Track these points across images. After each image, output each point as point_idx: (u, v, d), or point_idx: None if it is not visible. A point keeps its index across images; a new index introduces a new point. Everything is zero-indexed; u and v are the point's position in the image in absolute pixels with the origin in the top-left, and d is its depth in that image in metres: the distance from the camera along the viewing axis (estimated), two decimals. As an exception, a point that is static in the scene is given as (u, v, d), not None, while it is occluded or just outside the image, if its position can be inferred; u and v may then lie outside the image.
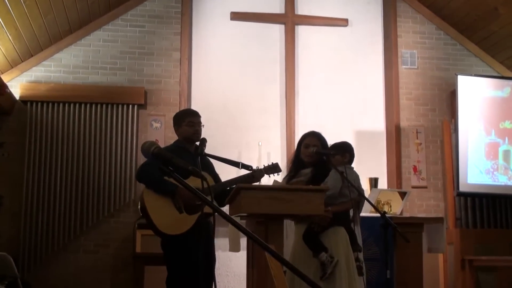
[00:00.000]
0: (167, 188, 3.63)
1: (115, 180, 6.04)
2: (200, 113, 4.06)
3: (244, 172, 3.99)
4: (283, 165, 5.56)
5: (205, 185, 2.37)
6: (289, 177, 3.93)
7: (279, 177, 4.16)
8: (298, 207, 3.06)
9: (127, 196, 6.04)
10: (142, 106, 6.23)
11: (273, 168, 4.01)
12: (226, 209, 3.78)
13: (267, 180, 4.98)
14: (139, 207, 3.79)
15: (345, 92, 6.73)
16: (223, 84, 6.54)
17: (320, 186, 3.59)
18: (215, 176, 4.03)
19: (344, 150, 3.94)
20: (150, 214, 3.63)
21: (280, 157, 6.35)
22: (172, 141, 5.69)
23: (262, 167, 4.03)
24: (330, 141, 4.28)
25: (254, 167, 4.01)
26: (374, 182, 6.24)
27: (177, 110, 6.04)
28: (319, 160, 3.80)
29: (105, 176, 6.03)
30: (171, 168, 2.01)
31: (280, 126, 6.56)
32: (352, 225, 3.82)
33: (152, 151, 2.05)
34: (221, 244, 5.65)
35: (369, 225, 4.87)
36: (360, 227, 4.03)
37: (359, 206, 3.97)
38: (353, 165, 4.01)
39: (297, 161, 3.93)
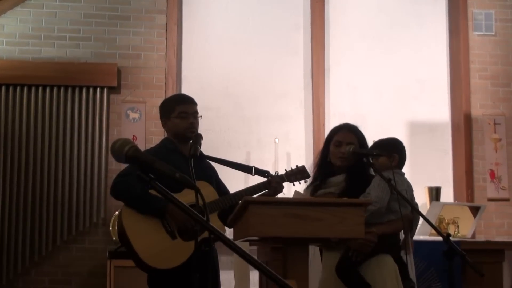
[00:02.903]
0: (154, 206, 3.65)
1: (77, 192, 6.08)
2: (195, 99, 4.07)
3: (258, 180, 3.98)
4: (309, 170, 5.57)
5: (201, 200, 2.36)
6: (314, 188, 3.93)
7: (300, 188, 4.16)
8: (329, 228, 3.06)
9: (94, 214, 6.07)
10: (114, 90, 6.26)
11: (299, 174, 3.97)
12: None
13: (287, 191, 4.99)
14: (116, 232, 3.80)
15: (394, 69, 6.71)
16: (226, 59, 6.55)
17: (360, 199, 3.58)
18: (220, 187, 4.03)
19: (392, 149, 3.93)
20: (132, 241, 3.64)
21: (304, 159, 6.36)
22: (156, 138, 5.79)
23: (284, 172, 4.00)
24: (373, 137, 4.28)
25: (272, 173, 3.99)
26: (435, 193, 6.22)
27: (162, 95, 6.08)
28: (356, 164, 3.80)
29: (64, 187, 6.07)
30: (152, 176, 2.01)
31: (304, 116, 6.57)
32: (402, 253, 3.82)
33: (126, 153, 2.05)
34: (224, 279, 5.62)
35: (428, 252, 4.88)
36: (414, 256, 4.03)
37: (412, 226, 3.97)
38: (404, 169, 4.00)
39: (325, 165, 3.92)
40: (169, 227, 3.69)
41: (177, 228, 3.69)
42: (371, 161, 3.76)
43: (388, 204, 3.74)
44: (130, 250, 3.68)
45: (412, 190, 3.94)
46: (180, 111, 3.91)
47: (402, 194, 3.63)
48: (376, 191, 3.73)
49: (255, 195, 3.85)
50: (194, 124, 3.92)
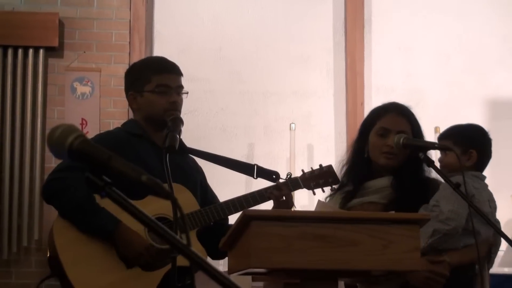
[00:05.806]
0: (98, 223, 3.67)
1: (1, 203, 6.11)
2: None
3: (263, 184, 4.00)
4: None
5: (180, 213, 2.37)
6: (346, 195, 3.94)
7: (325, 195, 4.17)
8: (368, 256, 3.05)
9: (24, 235, 6.12)
10: (54, 52, 6.31)
11: (322, 177, 4.02)
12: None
13: (308, 203, 4.99)
14: (47, 254, 3.83)
15: (466, 22, 6.72)
16: (218, 9, 6.58)
17: (414, 214, 3.56)
18: (207, 195, 4.09)
19: (469, 142, 3.93)
20: (66, 269, 3.66)
21: (334, 154, 6.39)
22: (117, 122, 5.78)
23: (301, 174, 4.04)
24: (435, 122, 4.28)
25: (284, 175, 4.01)
26: (526, 204, 6.24)
27: (126, 60, 6.13)
28: (408, 162, 3.81)
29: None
30: (107, 179, 2.02)
31: (333, 90, 6.60)
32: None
33: (70, 146, 2.06)
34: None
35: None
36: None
37: (491, 254, 3.97)
38: (485, 172, 3.99)
39: (361, 163, 3.94)
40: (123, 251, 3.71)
41: (131, 256, 3.71)
42: (427, 157, 3.74)
43: (465, 223, 3.73)
44: (64, 281, 3.69)
45: (494, 201, 3.92)
46: (158, 83, 3.96)
47: (483, 208, 3.62)
48: (450, 203, 3.70)
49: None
50: (177, 104, 3.97)
